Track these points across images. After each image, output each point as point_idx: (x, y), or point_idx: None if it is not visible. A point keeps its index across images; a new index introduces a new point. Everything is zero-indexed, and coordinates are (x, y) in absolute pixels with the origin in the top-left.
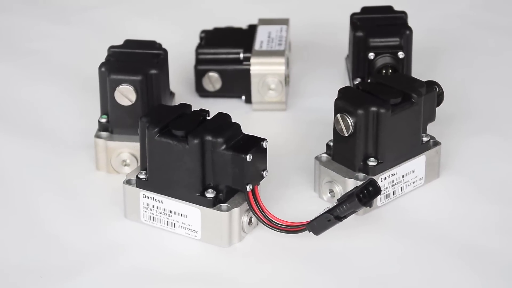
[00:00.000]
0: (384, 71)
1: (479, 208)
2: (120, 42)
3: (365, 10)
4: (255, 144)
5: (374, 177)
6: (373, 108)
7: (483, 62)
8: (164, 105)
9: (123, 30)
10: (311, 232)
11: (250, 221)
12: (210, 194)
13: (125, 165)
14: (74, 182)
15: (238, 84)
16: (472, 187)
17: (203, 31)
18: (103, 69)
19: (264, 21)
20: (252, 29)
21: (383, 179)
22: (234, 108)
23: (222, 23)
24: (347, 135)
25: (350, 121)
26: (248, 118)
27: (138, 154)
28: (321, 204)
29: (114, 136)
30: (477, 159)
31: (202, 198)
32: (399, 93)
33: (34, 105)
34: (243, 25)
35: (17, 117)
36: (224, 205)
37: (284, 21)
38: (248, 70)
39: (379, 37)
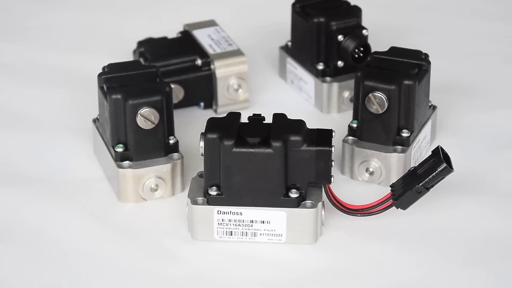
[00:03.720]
0: (356, 50)
1: (497, 156)
2: (26, 76)
3: None
4: (329, 136)
5: (409, 147)
6: (406, 82)
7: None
8: (215, 118)
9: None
10: (398, 209)
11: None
12: (294, 194)
13: (154, 191)
14: (113, 221)
15: (198, 92)
16: (471, 140)
17: (139, 46)
18: (117, 96)
19: (193, 26)
20: (186, 35)
21: (413, 148)
22: (197, 117)
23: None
24: (381, 112)
25: (384, 98)
26: None
27: (164, 176)
28: (358, 185)
29: (137, 163)
30: (455, 114)
31: (287, 200)
32: (414, 64)
33: None
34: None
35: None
36: (308, 202)
37: (212, 23)
38: (209, 75)
39: (339, 19)
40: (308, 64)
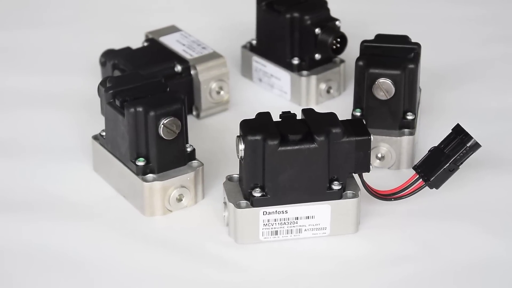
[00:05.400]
0: (334, 41)
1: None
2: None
3: None
4: (363, 125)
5: (415, 129)
6: (410, 66)
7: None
8: (247, 120)
9: None
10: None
11: None
12: (336, 186)
13: (179, 201)
14: (148, 236)
15: None
16: (453, 118)
17: (109, 58)
18: (138, 109)
19: (156, 33)
20: (154, 43)
21: (417, 129)
22: None
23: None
24: (389, 97)
25: (391, 83)
26: (209, 127)
27: (188, 185)
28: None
29: (160, 175)
30: (430, 94)
31: (331, 193)
32: (408, 48)
33: None
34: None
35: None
36: (349, 193)
37: (174, 28)
38: (190, 80)
39: (313, 13)
40: (281, 60)
